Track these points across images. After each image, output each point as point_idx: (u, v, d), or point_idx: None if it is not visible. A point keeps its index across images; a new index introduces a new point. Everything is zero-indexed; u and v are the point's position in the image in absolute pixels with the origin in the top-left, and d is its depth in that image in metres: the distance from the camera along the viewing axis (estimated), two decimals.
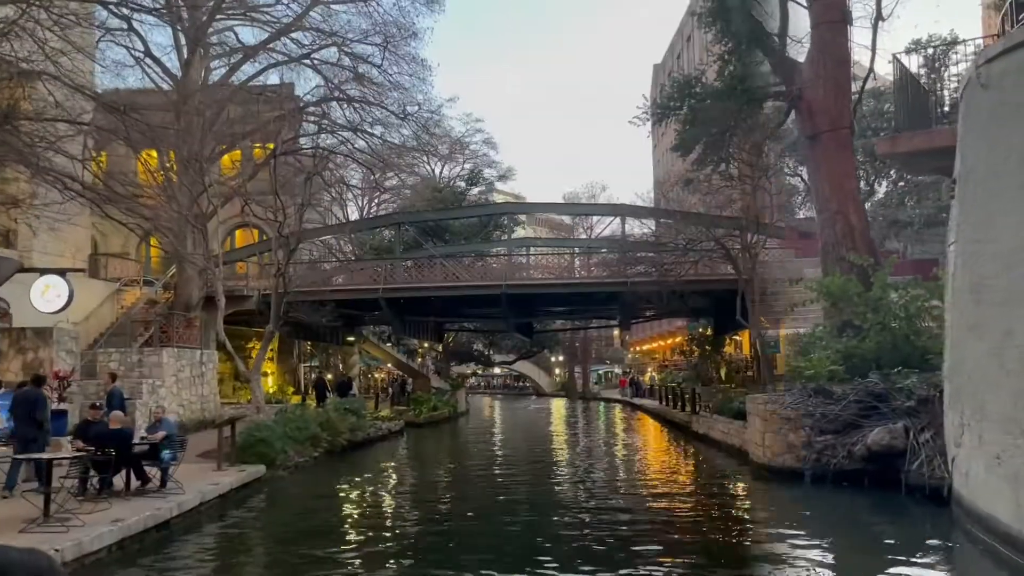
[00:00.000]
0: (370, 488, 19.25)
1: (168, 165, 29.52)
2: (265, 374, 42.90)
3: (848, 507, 14.62)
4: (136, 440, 13.56)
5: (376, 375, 61.98)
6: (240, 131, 29.33)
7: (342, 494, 17.91)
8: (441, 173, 64.22)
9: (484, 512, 15.12)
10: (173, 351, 25.62)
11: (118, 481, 13.35)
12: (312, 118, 34.29)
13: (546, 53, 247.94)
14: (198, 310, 29.48)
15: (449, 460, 26.90)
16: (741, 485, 18.17)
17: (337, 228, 38.78)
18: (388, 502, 17.17)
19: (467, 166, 64.45)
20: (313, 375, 49.94)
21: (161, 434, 13.70)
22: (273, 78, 33.66)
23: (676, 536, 12.85)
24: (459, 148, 64.77)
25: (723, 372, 30.94)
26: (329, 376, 47.37)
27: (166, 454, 13.55)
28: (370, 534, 13.41)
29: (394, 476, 21.79)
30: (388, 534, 13.30)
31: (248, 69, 31.72)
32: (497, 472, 21.96)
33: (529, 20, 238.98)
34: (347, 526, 14.01)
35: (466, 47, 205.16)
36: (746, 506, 16.26)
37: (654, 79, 46.16)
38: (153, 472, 13.71)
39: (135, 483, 13.49)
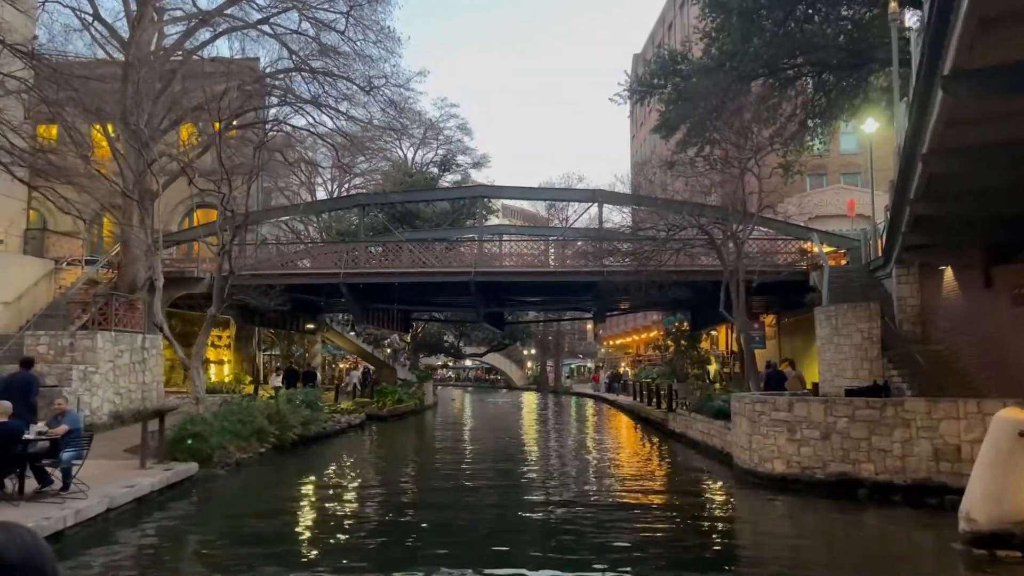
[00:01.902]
0: (316, 489, 17.40)
1: (114, 136, 27.42)
2: (221, 362, 40.89)
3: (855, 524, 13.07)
4: (32, 435, 11.60)
5: (341, 365, 59.91)
6: (189, 104, 27.18)
7: (283, 496, 16.02)
8: (413, 158, 62.21)
9: (441, 522, 13.36)
10: (110, 335, 23.52)
11: (11, 484, 11.45)
12: (276, 91, 32.21)
13: (523, 43, 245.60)
14: (144, 292, 27.35)
15: (411, 456, 25.10)
16: (725, 493, 16.56)
17: (297, 209, 36.67)
18: (334, 505, 15.33)
19: (440, 152, 62.55)
20: (276, 363, 48.00)
21: (63, 428, 11.77)
22: (233, 51, 31.73)
23: (655, 550, 11.19)
24: (433, 133, 62.86)
25: (712, 369, 29.33)
26: (291, 364, 45.46)
27: (67, 453, 11.62)
28: (307, 543, 11.63)
29: (346, 474, 19.95)
30: (329, 543, 11.51)
31: (205, 36, 29.64)
32: (459, 473, 20.18)
33: (508, 9, 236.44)
34: (282, 534, 12.13)
35: (440, 33, 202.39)
36: (734, 519, 14.64)
37: (634, 69, 44.42)
38: (56, 473, 11.81)
39: (33, 486, 11.60)
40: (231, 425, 19.25)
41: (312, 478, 18.87)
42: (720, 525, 13.64)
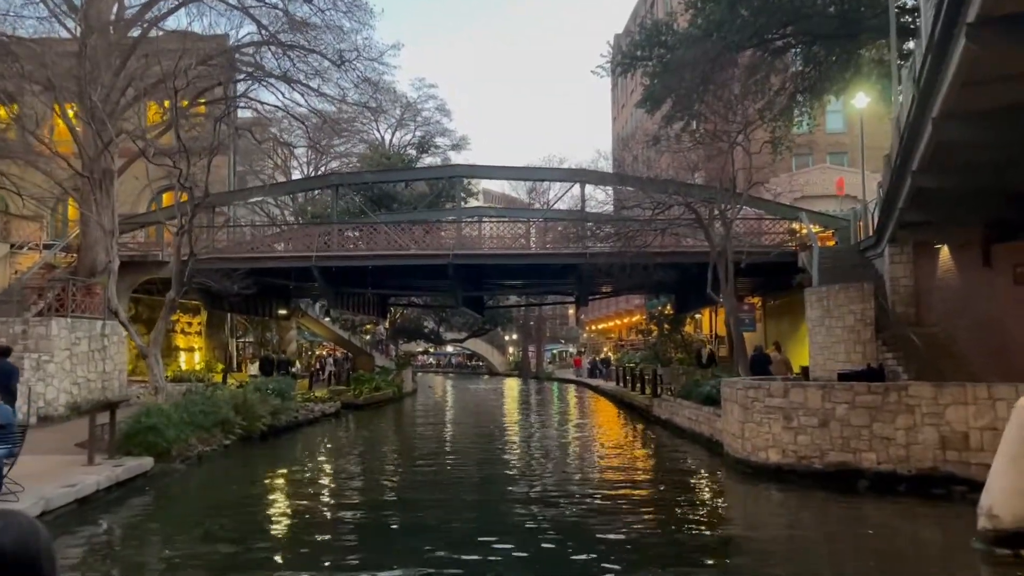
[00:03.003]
0: (283, 483, 16.33)
1: (72, 113, 25.99)
2: (191, 349, 39.59)
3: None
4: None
5: (318, 352, 58.69)
6: (151, 79, 25.74)
7: (246, 492, 14.91)
8: (391, 140, 60.84)
9: (417, 518, 12.35)
10: (66, 322, 22.24)
11: None
12: (244, 66, 30.77)
13: (511, 32, 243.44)
14: (104, 276, 26.01)
15: (387, 447, 24.03)
16: (716, 485, 15.67)
17: (267, 189, 35.28)
18: (302, 501, 14.26)
19: (418, 133, 61.22)
20: (250, 351, 46.70)
21: None
22: (203, 27, 30.17)
23: (643, 546, 10.25)
24: (410, 114, 61.49)
25: (705, 351, 28.34)
26: (268, 352, 44.18)
27: None
28: (270, 545, 10.56)
29: (316, 467, 18.89)
30: (294, 545, 10.46)
31: (169, 7, 28.13)
32: (438, 465, 19.16)
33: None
34: (242, 535, 10.98)
35: (425, 21, 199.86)
36: (726, 513, 13.73)
37: (617, 44, 43.31)
38: None
39: None
40: (193, 416, 18.11)
41: (280, 471, 17.78)
42: (712, 519, 12.72)
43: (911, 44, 23.59)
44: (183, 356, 38.54)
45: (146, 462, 14.93)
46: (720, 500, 14.55)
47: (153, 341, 20.75)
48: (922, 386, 13.25)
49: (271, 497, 14.84)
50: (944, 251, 20.75)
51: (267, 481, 16.48)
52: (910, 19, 22.17)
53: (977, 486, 12.38)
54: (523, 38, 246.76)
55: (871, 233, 24.62)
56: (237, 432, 20.21)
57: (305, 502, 14.14)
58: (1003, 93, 10.67)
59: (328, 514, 12.93)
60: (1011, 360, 17.87)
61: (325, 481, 16.66)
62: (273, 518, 12.79)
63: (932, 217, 17.46)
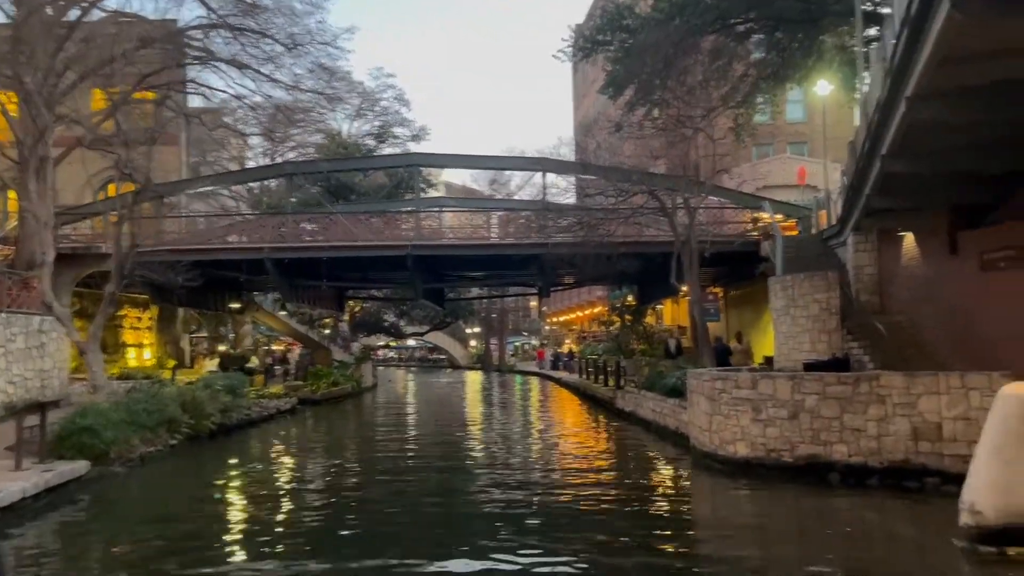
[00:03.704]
0: (231, 485, 15.50)
1: (7, 98, 24.64)
2: (141, 345, 38.24)
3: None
4: None
5: (276, 347, 57.40)
6: (92, 63, 24.44)
7: (191, 495, 14.05)
8: (349, 131, 59.65)
9: (376, 520, 11.65)
10: (2, 317, 21.04)
11: None
12: (193, 50, 29.51)
13: (464, 16, 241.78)
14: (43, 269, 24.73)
15: (344, 443, 23.18)
16: (682, 479, 15.20)
17: (217, 178, 34.14)
18: (251, 504, 13.48)
19: (377, 123, 60.09)
20: (205, 347, 45.31)
21: None
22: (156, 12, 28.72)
23: (608, 545, 9.69)
24: (368, 104, 60.27)
25: (673, 342, 27.76)
26: (223, 348, 42.88)
27: None
28: (213, 556, 9.75)
29: (267, 467, 18.01)
30: (240, 554, 9.70)
31: None
32: (397, 463, 18.39)
33: None
34: (182, 547, 10.14)
35: (383, 4, 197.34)
36: (693, 508, 13.24)
37: (579, 32, 42.73)
38: None
39: None
40: (135, 415, 17.15)
41: (228, 472, 16.94)
42: (678, 515, 12.22)
43: (873, 31, 23.34)
44: (132, 352, 37.21)
45: (80, 466, 14.00)
46: (687, 496, 14.09)
47: (91, 336, 19.68)
48: (894, 376, 12.89)
49: (216, 501, 13.99)
50: (909, 239, 20.53)
51: (214, 483, 15.61)
52: (871, 5, 21.88)
53: (950, 478, 12.11)
54: (489, 29, 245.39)
55: (834, 222, 24.41)
56: (184, 431, 19.29)
57: (254, 506, 13.35)
58: (982, 71, 10.25)
59: (280, 519, 12.16)
60: (977, 348, 17.67)
61: (277, 482, 15.83)
62: (217, 524, 11.96)
63: (899, 203, 17.15)
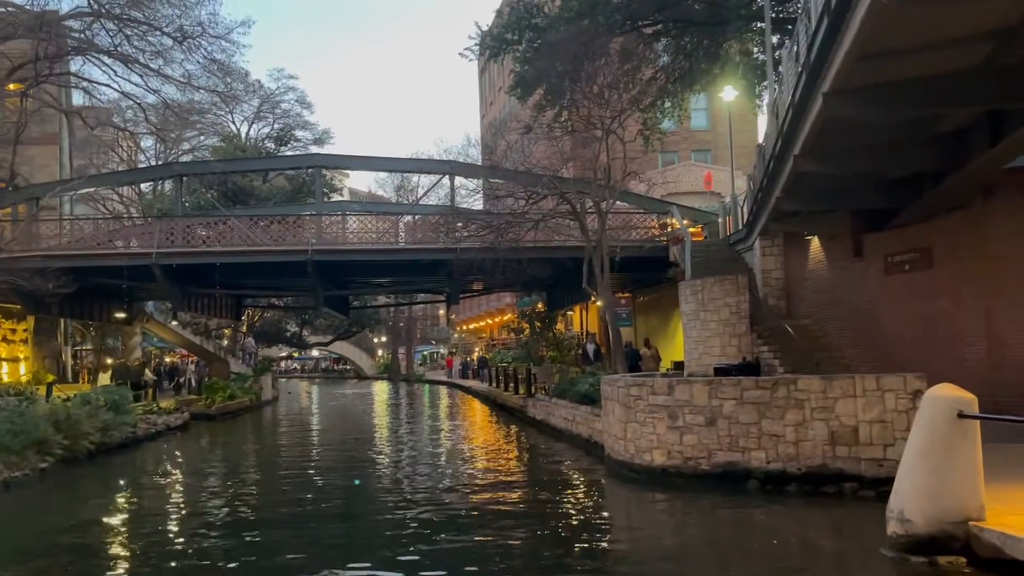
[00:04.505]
0: (107, 513, 13.93)
1: None
2: (16, 359, 35.32)
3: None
4: None
5: (169, 359, 54.51)
6: None
7: (57, 526, 12.52)
8: (248, 133, 57.35)
9: (270, 553, 10.52)
10: None
11: None
12: (72, 40, 27.41)
13: (370, 14, 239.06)
14: None
15: (238, 462, 21.60)
16: (595, 490, 14.59)
17: (97, 179, 31.82)
18: (129, 535, 12.09)
19: (277, 126, 58.03)
20: (96, 360, 42.42)
21: None
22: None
23: (516, 563, 8.96)
24: (268, 106, 58.16)
25: (591, 348, 27.13)
26: (111, 361, 40.19)
27: None
28: None
29: (150, 491, 16.42)
30: None
31: None
32: (293, 484, 17.13)
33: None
34: None
35: (288, 10, 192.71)
36: (606, 521, 12.64)
37: (488, 30, 42.18)
38: None
39: None
40: None
41: (102, 499, 15.31)
42: (592, 528, 11.58)
43: (776, 39, 23.59)
44: (5, 367, 34.30)
45: None
46: (601, 508, 13.46)
47: None
48: (811, 379, 12.63)
49: (81, 532, 12.47)
50: (815, 243, 20.73)
51: (82, 512, 14.02)
52: (776, 14, 22.03)
53: (867, 482, 11.93)
54: (391, 33, 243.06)
55: (740, 227, 24.57)
56: (57, 453, 17.51)
57: (125, 537, 11.98)
58: (899, 66, 10.10)
59: (155, 551, 10.87)
60: (882, 350, 17.90)
61: (156, 509, 14.38)
62: (78, 559, 10.58)
63: (807, 206, 17.16)
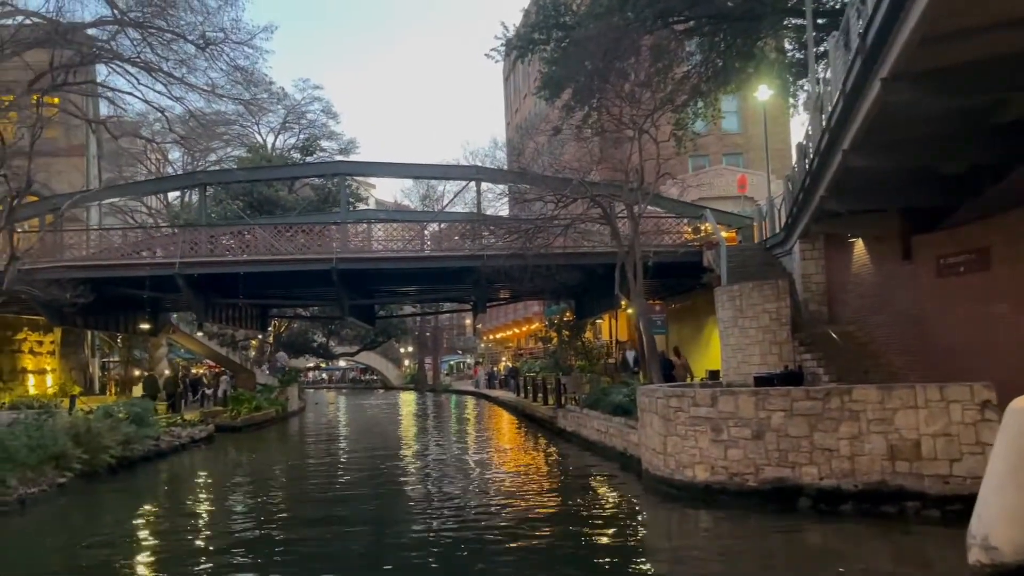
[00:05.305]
0: (124, 532, 13.38)
1: None
2: (43, 372, 35.24)
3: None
4: None
5: (197, 370, 54.38)
6: None
7: (72, 547, 11.98)
8: (274, 144, 57.33)
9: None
10: None
11: None
12: (97, 50, 27.17)
13: (400, 26, 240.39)
14: None
15: (263, 476, 20.97)
16: (634, 508, 13.75)
17: (120, 189, 31.64)
18: (134, 556, 11.50)
19: (303, 136, 57.91)
20: (117, 371, 42.33)
21: None
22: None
23: None
24: (294, 117, 58.17)
25: (631, 355, 26.14)
26: (137, 372, 40.04)
27: None
28: None
29: (170, 507, 15.89)
30: None
31: None
32: (319, 500, 16.54)
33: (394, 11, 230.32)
34: None
35: (313, 17, 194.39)
36: (647, 542, 11.82)
37: (516, 32, 41.65)
38: None
39: None
40: (12, 451, 14.98)
41: (124, 516, 14.77)
42: (629, 552, 10.79)
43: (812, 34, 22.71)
44: (33, 379, 34.20)
45: None
46: (640, 527, 12.62)
47: None
48: (867, 389, 11.75)
49: (97, 551, 11.92)
50: (859, 245, 19.76)
51: (100, 529, 13.49)
52: (817, 3, 21.11)
53: (932, 501, 11.01)
54: (413, 36, 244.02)
55: (777, 231, 23.67)
56: (76, 467, 17.07)
57: (144, 556, 11.39)
58: (964, 48, 9.27)
59: (179, 573, 10.27)
60: (934, 357, 16.86)
61: (179, 526, 13.82)
62: None
63: (854, 205, 16.24)
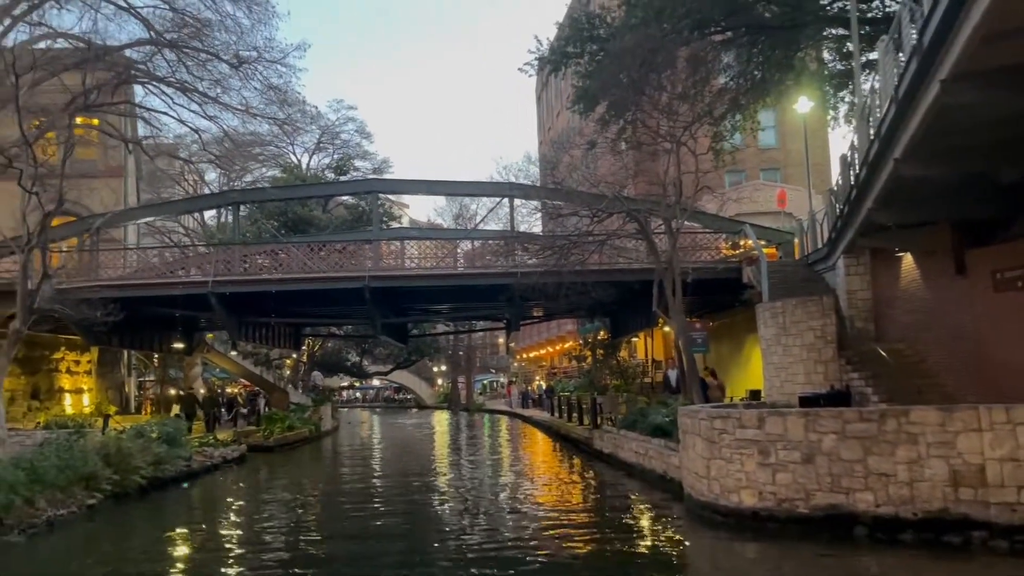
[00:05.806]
0: (153, 557, 13.08)
1: None
2: (80, 391, 35.40)
3: None
4: None
5: (232, 390, 54.53)
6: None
7: (98, 571, 11.69)
8: (308, 164, 57.71)
9: None
10: None
11: None
12: (133, 71, 27.43)
13: (432, 44, 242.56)
14: None
15: (297, 498, 20.60)
16: (677, 536, 13.11)
17: (154, 208, 31.85)
18: None
19: (337, 156, 58.23)
20: (159, 391, 42.45)
21: None
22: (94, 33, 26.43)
23: None
24: (328, 137, 58.49)
25: (674, 373, 25.37)
26: (173, 392, 40.15)
27: None
28: None
29: (197, 530, 15.58)
30: None
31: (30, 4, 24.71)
32: (352, 526, 16.13)
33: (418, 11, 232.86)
34: None
35: (338, 35, 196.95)
36: (694, 571, 11.20)
37: (550, 46, 41.43)
38: None
39: None
40: (42, 472, 14.80)
41: (153, 538, 14.50)
42: None
43: (850, 46, 22.09)
44: (69, 398, 34.37)
45: None
46: (684, 557, 11.99)
47: None
48: (926, 411, 11.06)
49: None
50: (907, 259, 19.01)
51: (127, 554, 13.20)
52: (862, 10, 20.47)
53: (1000, 531, 10.27)
54: (443, 51, 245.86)
55: (819, 246, 22.95)
56: (106, 488, 16.86)
57: None
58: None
59: None
60: (990, 376, 16.07)
61: (210, 547, 13.50)
62: None
63: (905, 217, 15.58)
